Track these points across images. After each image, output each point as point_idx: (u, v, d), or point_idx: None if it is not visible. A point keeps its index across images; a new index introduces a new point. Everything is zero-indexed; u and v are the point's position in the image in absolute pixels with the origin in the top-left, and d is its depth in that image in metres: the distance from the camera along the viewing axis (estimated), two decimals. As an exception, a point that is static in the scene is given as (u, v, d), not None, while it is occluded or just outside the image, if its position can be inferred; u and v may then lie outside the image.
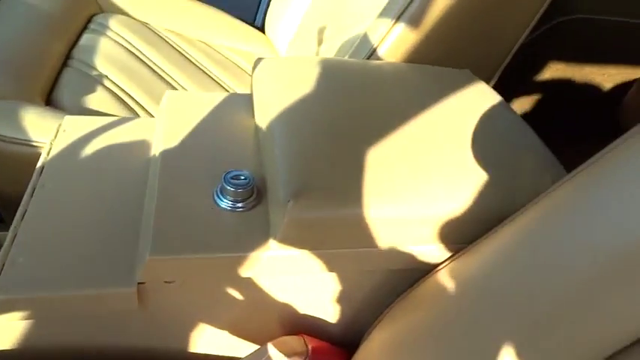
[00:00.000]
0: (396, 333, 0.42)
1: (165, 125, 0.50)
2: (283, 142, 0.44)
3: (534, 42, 0.93)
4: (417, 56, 0.61)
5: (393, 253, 0.43)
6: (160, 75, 0.91)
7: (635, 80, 0.96)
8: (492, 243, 0.39)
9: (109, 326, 0.44)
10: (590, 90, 1.04)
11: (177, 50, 1.00)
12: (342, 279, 0.45)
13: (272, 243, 0.40)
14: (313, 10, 0.95)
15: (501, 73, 0.74)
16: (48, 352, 0.44)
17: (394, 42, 0.61)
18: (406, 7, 0.59)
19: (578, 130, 0.96)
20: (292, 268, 0.42)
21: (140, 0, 1.08)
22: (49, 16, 0.93)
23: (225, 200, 0.43)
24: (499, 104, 0.52)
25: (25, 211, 0.45)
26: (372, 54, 0.62)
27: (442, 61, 0.58)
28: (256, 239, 0.41)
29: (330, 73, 0.54)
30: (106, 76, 0.86)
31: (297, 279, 0.44)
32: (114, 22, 1.00)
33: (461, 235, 0.43)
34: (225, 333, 0.47)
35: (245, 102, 0.55)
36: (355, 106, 0.49)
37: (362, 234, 0.41)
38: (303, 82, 0.51)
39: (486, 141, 0.47)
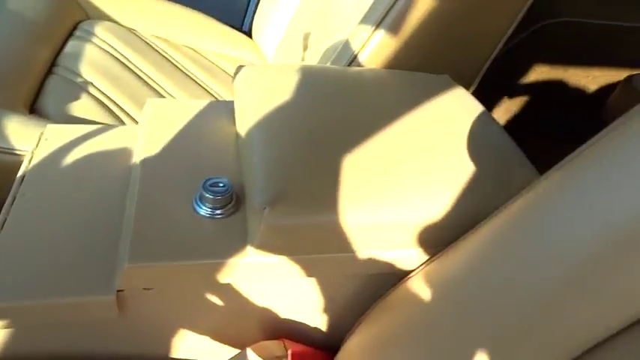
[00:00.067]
0: (372, 336, 0.42)
1: (146, 133, 0.51)
2: (262, 150, 0.45)
3: (519, 45, 0.94)
4: (397, 62, 0.61)
5: (371, 258, 0.44)
6: (146, 82, 0.91)
7: (618, 82, 0.97)
8: (465, 246, 0.39)
9: (89, 333, 0.44)
10: (574, 92, 1.05)
11: (164, 56, 1.00)
12: (321, 284, 0.45)
13: (249, 249, 0.41)
14: (300, 16, 0.95)
15: (486, 76, 0.75)
16: (28, 360, 0.45)
17: (374, 48, 0.61)
18: (386, 14, 0.60)
19: (563, 132, 0.97)
20: (270, 273, 0.42)
21: (127, 6, 1.08)
22: (34, 23, 0.93)
23: (204, 207, 0.43)
24: (476, 109, 0.53)
25: (5, 220, 0.45)
26: (354, 60, 0.63)
27: (422, 67, 0.59)
28: (234, 246, 0.41)
29: (311, 80, 0.54)
30: (92, 84, 0.86)
31: (277, 284, 0.45)
32: (100, 29, 1.00)
33: (439, 239, 0.43)
34: (207, 338, 0.47)
35: (227, 109, 0.56)
36: (334, 113, 0.50)
37: (339, 240, 0.42)
38: (283, 90, 0.52)
39: (463, 146, 0.48)
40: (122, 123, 0.82)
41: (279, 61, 0.98)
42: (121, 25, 1.05)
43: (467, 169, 0.45)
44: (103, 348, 0.46)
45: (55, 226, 0.45)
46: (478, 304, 0.34)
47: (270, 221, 0.39)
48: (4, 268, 0.41)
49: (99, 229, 0.45)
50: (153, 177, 0.46)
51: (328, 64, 0.70)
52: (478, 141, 0.49)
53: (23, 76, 0.83)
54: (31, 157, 0.52)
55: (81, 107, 0.81)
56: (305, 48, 0.87)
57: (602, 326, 0.29)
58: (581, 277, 0.29)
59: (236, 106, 0.54)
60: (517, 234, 0.34)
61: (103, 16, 1.06)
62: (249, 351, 0.42)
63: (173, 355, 0.47)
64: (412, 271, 0.45)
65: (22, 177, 0.49)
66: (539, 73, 1.01)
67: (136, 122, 0.83)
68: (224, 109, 0.56)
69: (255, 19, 1.15)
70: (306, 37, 0.88)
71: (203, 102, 0.57)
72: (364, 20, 0.63)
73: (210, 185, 0.43)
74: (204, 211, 0.43)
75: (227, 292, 0.44)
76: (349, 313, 0.48)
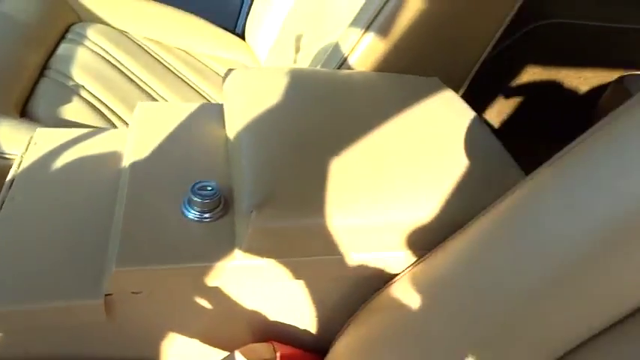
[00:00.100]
0: (361, 338, 0.43)
1: (136, 136, 0.51)
2: (250, 153, 0.45)
3: (511, 46, 0.95)
4: (387, 65, 0.62)
5: (359, 261, 0.44)
6: (138, 85, 0.91)
7: (610, 83, 0.97)
8: (452, 246, 0.40)
9: (77, 337, 0.44)
10: (566, 93, 1.06)
11: (157, 59, 1.00)
12: (310, 286, 0.45)
13: (237, 253, 0.41)
14: (293, 18, 0.95)
15: (478, 78, 0.75)
16: (17, 365, 0.44)
17: (364, 51, 0.62)
18: (375, 17, 0.60)
19: (555, 133, 0.97)
20: (259, 276, 0.43)
21: (119, 9, 1.08)
22: (25, 26, 0.92)
23: (192, 211, 0.43)
24: (464, 112, 0.53)
25: (-6, 224, 0.45)
26: (344, 63, 0.63)
27: (411, 69, 0.59)
28: (222, 249, 0.41)
29: (300, 83, 0.54)
30: (83, 87, 0.86)
31: (265, 287, 0.45)
32: (92, 32, 1.00)
33: (426, 241, 0.44)
34: (195, 342, 0.47)
35: (217, 112, 0.56)
36: (323, 117, 0.50)
37: (327, 242, 0.42)
38: (272, 93, 0.52)
39: (450, 148, 0.48)
40: (114, 126, 0.82)
41: (271, 64, 0.98)
42: (113, 28, 1.04)
43: (454, 171, 0.46)
44: (92, 352, 0.46)
45: (44, 230, 0.45)
46: (466, 305, 0.34)
47: (257, 224, 0.39)
48: (-8, 272, 0.41)
49: (88, 232, 0.45)
50: (142, 180, 0.46)
51: (319, 67, 0.70)
52: (465, 143, 0.50)
53: (14, 79, 0.83)
54: (21, 161, 0.52)
55: (72, 110, 0.81)
56: (297, 50, 0.87)
57: (585, 326, 0.29)
58: (567, 276, 0.29)
59: (225, 109, 0.54)
60: (504, 233, 0.34)
61: (95, 19, 1.06)
62: (237, 354, 0.42)
63: (162, 358, 0.47)
64: (400, 272, 0.45)
65: (12, 181, 0.49)
66: (531, 74, 1.02)
67: (128, 125, 0.83)
68: (215, 112, 0.56)
69: (248, 22, 1.15)
70: (298, 40, 0.88)
71: (193, 105, 0.57)
72: (354, 23, 0.64)
73: (199, 189, 0.43)
74: (192, 214, 0.43)
75: (216, 295, 0.44)
76: (338, 315, 0.48)
